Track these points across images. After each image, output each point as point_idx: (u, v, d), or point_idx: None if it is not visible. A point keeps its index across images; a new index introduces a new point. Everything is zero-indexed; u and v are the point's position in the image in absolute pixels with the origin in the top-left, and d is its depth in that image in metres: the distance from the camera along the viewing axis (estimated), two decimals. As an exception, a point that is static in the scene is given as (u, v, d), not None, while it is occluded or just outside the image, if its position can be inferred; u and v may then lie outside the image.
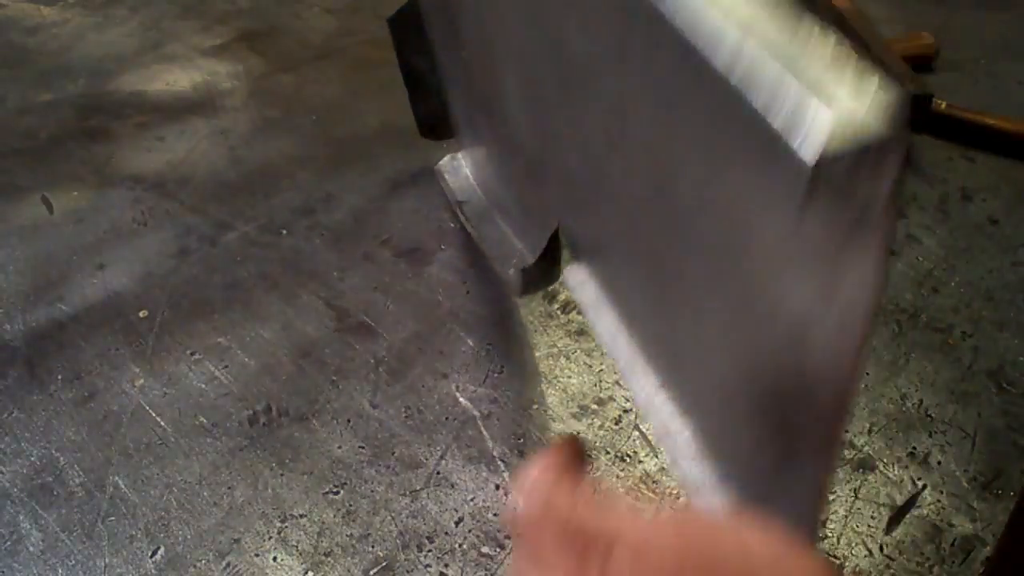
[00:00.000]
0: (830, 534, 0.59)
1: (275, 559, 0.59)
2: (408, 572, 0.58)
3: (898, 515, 0.61)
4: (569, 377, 0.72)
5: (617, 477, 0.64)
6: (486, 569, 0.58)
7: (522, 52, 0.42)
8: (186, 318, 0.79)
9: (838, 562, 0.58)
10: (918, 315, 0.77)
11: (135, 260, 0.87)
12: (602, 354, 0.74)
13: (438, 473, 0.65)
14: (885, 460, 0.65)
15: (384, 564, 0.59)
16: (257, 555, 0.60)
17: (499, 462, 0.65)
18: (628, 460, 0.65)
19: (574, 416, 0.69)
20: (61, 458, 0.67)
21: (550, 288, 0.81)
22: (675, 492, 0.63)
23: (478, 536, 0.60)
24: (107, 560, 0.60)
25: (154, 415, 0.70)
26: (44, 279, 0.85)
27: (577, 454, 0.30)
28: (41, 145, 1.06)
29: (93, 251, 0.88)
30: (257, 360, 0.75)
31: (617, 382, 0.71)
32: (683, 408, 0.37)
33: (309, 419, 0.69)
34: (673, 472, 0.60)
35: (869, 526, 0.60)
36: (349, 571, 0.59)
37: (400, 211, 0.92)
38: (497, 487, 0.64)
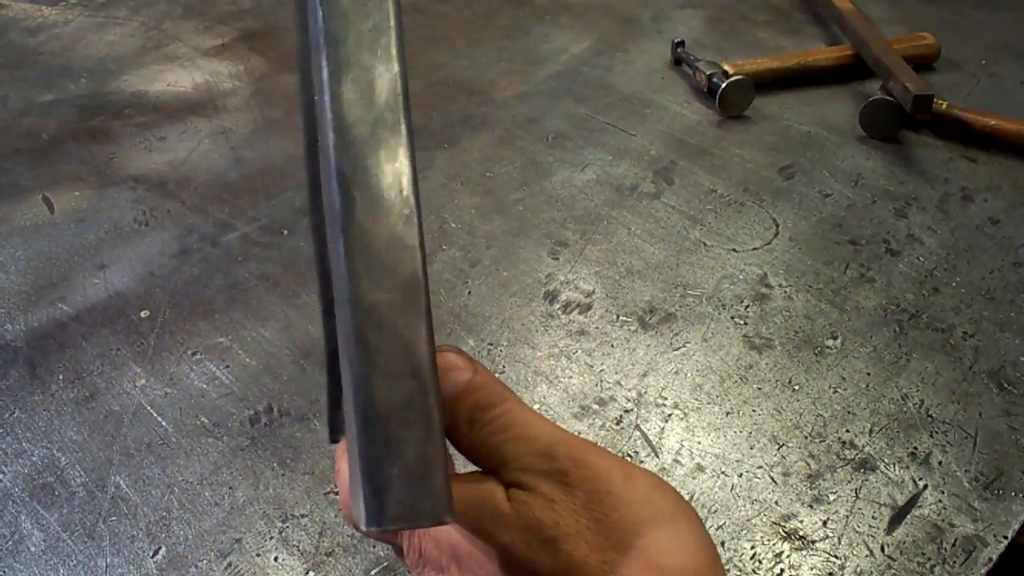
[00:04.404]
0: (831, 534, 0.60)
1: (276, 559, 0.60)
2: (409, 572, 0.58)
3: (899, 515, 0.61)
4: (570, 377, 0.72)
5: (618, 477, 0.64)
6: (487, 569, 0.58)
7: None
8: (187, 318, 0.79)
9: (839, 562, 0.58)
10: (919, 315, 0.77)
11: (136, 260, 0.87)
12: (603, 354, 0.74)
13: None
14: (886, 460, 0.65)
15: (385, 564, 0.59)
16: (258, 555, 0.60)
17: (500, 462, 0.65)
18: (629, 460, 0.65)
19: (575, 416, 0.69)
20: (62, 458, 0.67)
21: (551, 288, 0.81)
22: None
23: (479, 536, 0.60)
24: (108, 560, 0.60)
25: (155, 415, 0.70)
26: (45, 279, 0.85)
27: None
28: (42, 145, 1.07)
29: (94, 251, 0.88)
30: (258, 360, 0.75)
31: (618, 382, 0.71)
32: None
33: (311, 419, 0.69)
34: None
35: (870, 526, 0.60)
36: (350, 571, 0.59)
37: (401, 211, 0.92)
38: (498, 487, 0.64)
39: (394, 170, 0.26)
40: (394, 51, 0.27)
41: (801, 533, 0.60)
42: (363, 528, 0.25)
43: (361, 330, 0.26)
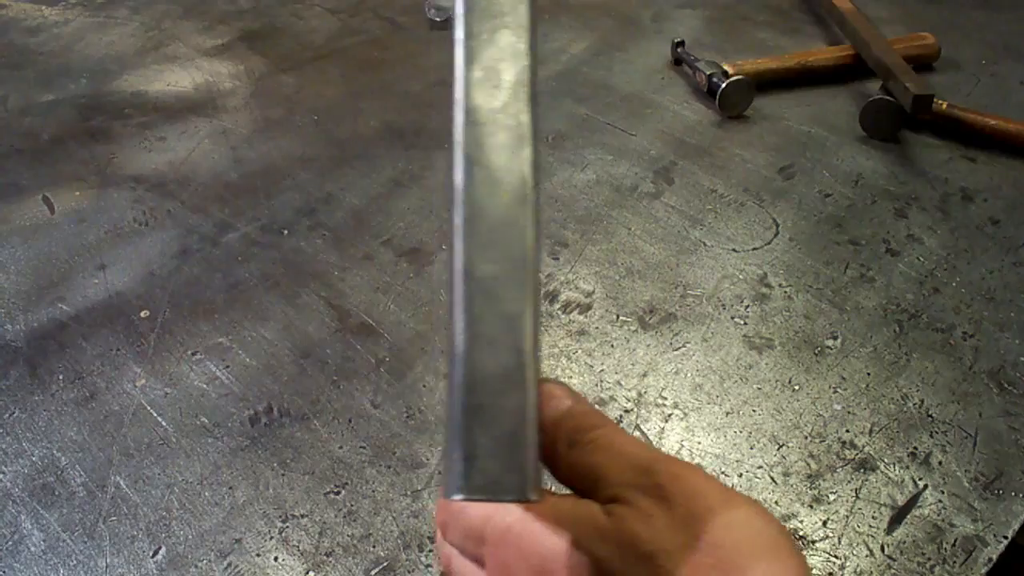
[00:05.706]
0: (831, 534, 0.60)
1: (276, 559, 0.60)
2: (409, 572, 0.58)
3: (899, 515, 0.61)
4: (570, 377, 0.72)
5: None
6: (487, 569, 0.58)
7: None
8: (187, 318, 0.79)
9: (839, 562, 0.58)
10: (919, 315, 0.77)
11: (136, 260, 0.87)
12: (603, 354, 0.74)
13: (439, 473, 0.65)
14: (886, 460, 0.64)
15: (385, 564, 0.59)
16: (258, 555, 0.60)
17: (500, 462, 0.65)
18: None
19: (575, 416, 0.69)
20: (62, 458, 0.67)
21: (551, 288, 0.81)
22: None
23: (479, 536, 0.60)
24: (108, 560, 0.60)
25: (155, 415, 0.70)
26: (45, 279, 0.85)
27: None
28: (42, 145, 1.07)
29: (94, 251, 0.88)
30: (258, 360, 0.75)
31: (618, 382, 0.71)
32: None
33: (310, 419, 0.69)
34: None
35: (870, 526, 0.60)
36: (350, 571, 0.59)
37: (401, 211, 0.92)
38: (498, 487, 0.64)
39: (514, 152, 0.28)
40: (523, 46, 0.29)
41: (801, 533, 0.60)
42: (453, 497, 0.25)
43: (469, 300, 0.27)
